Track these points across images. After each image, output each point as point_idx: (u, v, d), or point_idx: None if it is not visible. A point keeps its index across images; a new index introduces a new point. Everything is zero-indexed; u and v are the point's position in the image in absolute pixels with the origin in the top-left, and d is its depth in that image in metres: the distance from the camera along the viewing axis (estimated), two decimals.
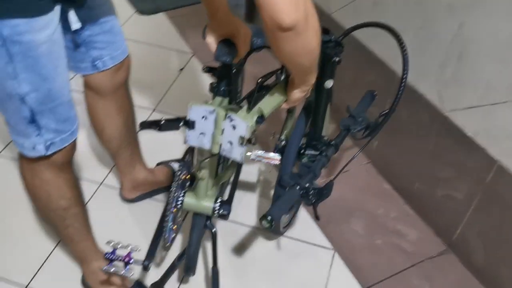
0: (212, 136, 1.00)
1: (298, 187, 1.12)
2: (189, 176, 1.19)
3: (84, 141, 1.80)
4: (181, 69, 2.24)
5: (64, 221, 1.22)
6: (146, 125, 1.04)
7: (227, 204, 1.16)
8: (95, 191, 1.70)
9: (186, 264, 1.23)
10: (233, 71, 1.09)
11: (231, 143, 0.99)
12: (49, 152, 1.05)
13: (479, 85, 1.30)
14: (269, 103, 1.10)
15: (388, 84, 1.60)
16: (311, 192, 1.13)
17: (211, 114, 0.98)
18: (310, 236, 1.61)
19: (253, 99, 1.04)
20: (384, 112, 1.31)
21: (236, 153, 0.99)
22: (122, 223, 1.60)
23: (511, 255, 1.38)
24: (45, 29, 0.90)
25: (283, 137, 1.47)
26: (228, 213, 1.15)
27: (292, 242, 1.59)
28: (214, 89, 1.08)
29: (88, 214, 1.30)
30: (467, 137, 1.39)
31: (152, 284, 1.37)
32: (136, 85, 2.17)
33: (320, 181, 1.33)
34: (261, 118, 1.06)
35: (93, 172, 1.75)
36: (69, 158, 1.13)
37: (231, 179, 1.42)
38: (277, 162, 1.09)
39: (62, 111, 1.02)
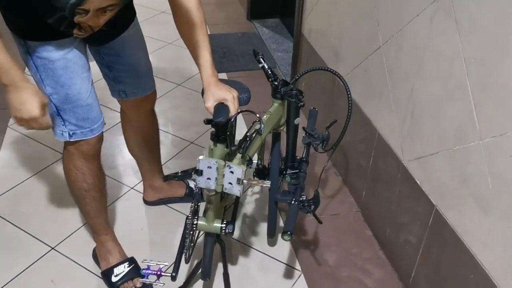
0: (216, 180, 1.31)
1: (296, 203, 1.46)
2: (197, 205, 1.54)
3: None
4: None
5: (84, 199, 1.63)
6: (170, 177, 1.45)
7: (231, 224, 1.47)
8: (126, 192, 2.14)
9: (202, 271, 1.54)
10: (228, 125, 1.43)
11: (231, 183, 1.32)
12: (72, 139, 1.45)
13: (423, 138, 1.55)
14: (253, 148, 1.46)
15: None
16: (306, 204, 1.48)
17: (214, 165, 1.30)
18: (283, 256, 1.87)
19: (244, 149, 1.38)
20: (329, 125, 1.65)
21: (235, 190, 1.32)
22: (140, 221, 2.01)
23: None
24: (58, 50, 1.30)
25: (258, 161, 1.82)
26: (233, 231, 1.47)
27: (266, 258, 1.86)
28: (214, 138, 1.42)
29: (106, 198, 1.72)
30: (417, 184, 1.61)
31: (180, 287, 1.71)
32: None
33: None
34: (250, 161, 1.43)
35: (130, 178, 2.21)
36: (94, 151, 1.53)
37: (232, 203, 1.79)
38: (268, 186, 1.43)
39: (80, 111, 1.42)
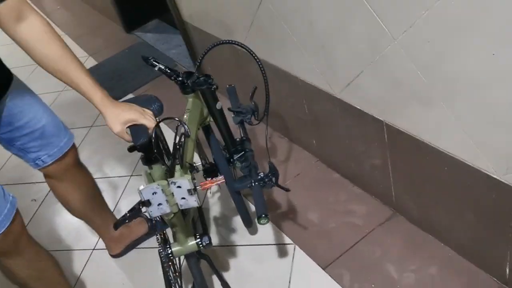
0: (167, 202, 1.21)
1: (256, 183, 1.39)
2: (163, 233, 1.43)
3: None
4: None
5: None
6: (119, 225, 1.28)
7: (205, 235, 1.39)
8: (90, 256, 1.98)
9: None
10: (153, 143, 1.28)
11: (184, 198, 1.21)
12: None
13: (343, 64, 1.51)
14: (189, 153, 1.36)
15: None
16: (266, 180, 1.41)
17: (157, 188, 1.18)
18: (271, 238, 1.80)
19: (180, 158, 1.25)
20: (252, 94, 1.58)
21: (192, 202, 1.22)
22: (118, 277, 1.86)
23: (430, 198, 1.52)
24: None
25: (203, 161, 1.73)
26: (210, 241, 1.38)
27: (256, 248, 1.79)
28: (146, 162, 1.28)
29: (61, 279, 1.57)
30: (358, 109, 1.58)
31: None
32: None
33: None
34: (192, 167, 1.32)
35: (86, 240, 2.04)
36: (7, 247, 1.33)
37: (196, 214, 1.68)
38: (223, 180, 1.32)
39: None
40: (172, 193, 1.20)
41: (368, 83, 1.45)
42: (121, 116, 1.21)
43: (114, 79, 3.17)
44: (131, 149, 1.30)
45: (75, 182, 1.66)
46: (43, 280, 1.47)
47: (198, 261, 1.46)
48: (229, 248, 1.83)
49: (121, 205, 2.17)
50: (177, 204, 1.22)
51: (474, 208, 1.35)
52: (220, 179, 1.31)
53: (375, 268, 1.59)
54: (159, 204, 1.21)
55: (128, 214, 1.26)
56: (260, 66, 1.45)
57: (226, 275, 1.72)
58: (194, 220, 1.69)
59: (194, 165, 1.39)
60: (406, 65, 1.25)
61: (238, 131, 1.61)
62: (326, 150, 1.97)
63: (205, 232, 1.41)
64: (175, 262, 1.47)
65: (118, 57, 3.43)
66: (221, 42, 1.47)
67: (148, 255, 1.90)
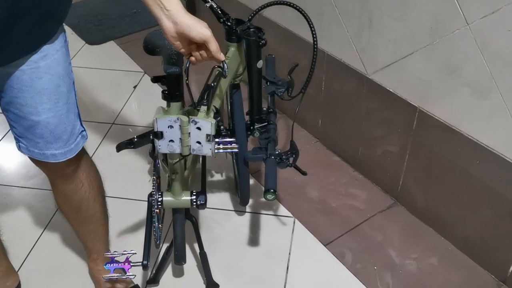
0: (181, 141, 1.10)
1: (273, 157, 1.27)
2: (158, 178, 1.30)
3: None
4: (135, 86, 2.39)
5: None
6: (123, 146, 1.14)
7: (202, 194, 1.28)
8: None
9: (176, 255, 1.34)
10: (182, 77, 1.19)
11: (199, 142, 1.10)
12: None
13: (389, 44, 1.50)
14: (218, 99, 1.26)
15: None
16: (284, 157, 1.30)
17: (175, 122, 1.07)
18: (271, 209, 1.75)
19: (208, 100, 1.15)
20: (291, 70, 1.52)
21: (206, 149, 1.11)
22: None
23: (443, 191, 1.55)
24: None
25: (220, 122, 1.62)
26: (205, 202, 1.27)
27: (256, 216, 1.72)
28: (167, 96, 1.19)
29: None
30: (390, 92, 1.57)
31: (147, 281, 1.47)
32: (94, 105, 2.31)
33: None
34: (217, 114, 1.20)
35: None
36: None
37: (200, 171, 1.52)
38: (236, 150, 1.21)
39: None
40: (189, 133, 1.09)
41: (415, 66, 1.45)
42: (194, 27, 1.01)
43: (92, 23, 2.93)
44: (155, 80, 1.19)
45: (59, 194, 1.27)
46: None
47: (184, 221, 1.36)
48: (227, 212, 1.74)
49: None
50: (189, 146, 1.11)
51: (495, 205, 1.40)
52: (235, 147, 1.22)
53: (377, 251, 1.60)
54: (171, 141, 1.10)
55: (135, 139, 1.13)
56: (315, 40, 1.38)
57: (224, 239, 1.64)
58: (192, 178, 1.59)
59: (219, 113, 1.28)
60: (471, 52, 1.27)
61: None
62: (330, 131, 1.95)
63: (202, 191, 1.31)
64: (160, 213, 1.35)
65: (97, 2, 3.18)
66: (290, 4, 1.39)
67: (132, 205, 1.76)
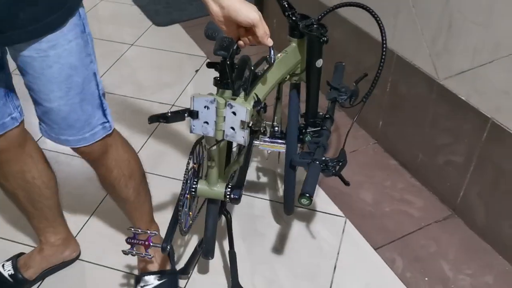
0: (215, 124, 1.05)
1: (317, 163, 1.22)
2: (198, 165, 1.26)
3: None
4: (197, 70, 2.42)
5: None
6: (154, 118, 1.07)
7: (237, 188, 1.21)
8: None
9: (204, 248, 1.29)
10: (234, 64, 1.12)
11: (233, 128, 1.05)
12: None
13: (468, 50, 1.44)
14: (262, 88, 1.19)
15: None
16: (330, 164, 1.24)
17: (212, 103, 1.03)
18: (323, 206, 1.73)
19: (248, 86, 1.10)
20: (359, 79, 1.45)
21: (239, 137, 1.05)
22: None
23: (507, 210, 1.48)
24: None
25: (275, 123, 1.59)
26: (239, 197, 1.21)
27: (307, 212, 1.71)
28: (217, 83, 1.13)
29: None
30: (461, 100, 1.51)
31: (179, 270, 1.48)
32: (156, 85, 2.36)
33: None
34: (257, 103, 1.12)
35: None
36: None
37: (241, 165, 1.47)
38: (283, 150, 1.18)
39: None
40: (224, 117, 1.04)
41: (494, 75, 1.38)
42: (242, 11, 1.00)
43: (160, 5, 2.99)
44: (210, 65, 1.12)
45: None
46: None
47: (218, 215, 1.30)
48: (273, 204, 1.74)
49: None
50: (223, 131, 1.06)
51: None
52: (282, 147, 1.18)
53: (430, 262, 1.55)
54: (205, 122, 1.05)
55: (169, 114, 1.06)
56: (384, 45, 1.33)
57: (273, 232, 1.64)
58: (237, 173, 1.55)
59: (262, 103, 1.17)
60: None
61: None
62: (391, 134, 1.91)
63: (239, 186, 1.23)
64: (194, 201, 1.29)
65: None
66: (363, 6, 1.35)
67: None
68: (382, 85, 1.83)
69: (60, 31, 0.97)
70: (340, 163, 1.26)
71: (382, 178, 1.85)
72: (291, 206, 1.60)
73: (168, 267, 1.47)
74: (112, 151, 1.23)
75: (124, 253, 1.20)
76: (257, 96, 1.13)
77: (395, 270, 1.53)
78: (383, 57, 1.34)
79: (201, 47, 2.59)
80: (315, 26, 1.30)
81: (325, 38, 1.28)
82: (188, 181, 1.21)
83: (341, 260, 1.55)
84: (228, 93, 1.09)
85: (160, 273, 1.44)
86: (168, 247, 1.17)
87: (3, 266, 1.43)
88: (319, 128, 1.44)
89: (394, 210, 1.72)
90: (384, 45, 1.33)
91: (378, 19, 1.33)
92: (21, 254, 1.48)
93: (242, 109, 1.02)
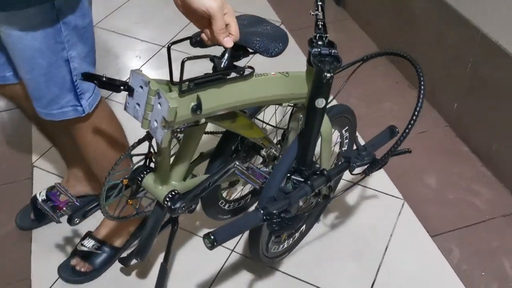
0: (144, 110, 0.92)
1: (262, 212, 0.99)
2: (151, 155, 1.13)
3: None
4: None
5: None
6: (88, 77, 0.96)
7: (181, 199, 1.07)
8: None
9: (137, 248, 1.19)
10: None
11: (156, 122, 0.91)
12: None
13: None
14: (216, 96, 0.97)
15: (469, 44, 1.62)
16: (276, 220, 1.00)
17: (146, 86, 0.89)
18: (382, 186, 1.68)
19: (193, 84, 0.92)
20: (397, 151, 1.15)
21: (158, 134, 0.91)
22: None
23: None
24: None
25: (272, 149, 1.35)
26: (175, 209, 1.06)
27: (365, 190, 1.67)
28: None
29: None
30: None
31: (120, 257, 1.39)
32: None
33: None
34: (197, 107, 0.94)
35: None
36: None
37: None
38: (257, 187, 1.07)
39: None
40: (152, 106, 0.91)
41: None
42: None
43: None
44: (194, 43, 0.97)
45: None
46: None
47: (162, 218, 1.16)
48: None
49: None
50: (149, 121, 0.92)
51: None
52: (258, 182, 1.08)
53: (489, 257, 1.46)
54: (138, 104, 0.93)
55: (104, 78, 0.94)
56: (421, 98, 1.08)
57: (329, 207, 1.62)
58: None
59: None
60: None
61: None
62: (465, 118, 1.79)
63: (189, 198, 1.08)
64: (137, 190, 1.17)
65: None
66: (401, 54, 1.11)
67: None
68: (462, 65, 1.70)
69: (24, 16, 0.98)
70: (285, 225, 1.00)
71: (450, 164, 1.75)
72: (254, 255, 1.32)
73: (116, 244, 1.43)
74: (85, 133, 1.21)
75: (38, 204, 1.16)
76: (198, 100, 0.94)
77: (451, 260, 1.46)
78: (416, 113, 1.07)
79: (278, 13, 2.54)
80: (327, 58, 1.04)
81: (330, 76, 1.01)
82: (138, 169, 1.12)
83: (393, 243, 1.51)
84: (168, 82, 0.94)
85: (101, 244, 1.41)
86: (77, 220, 1.11)
87: (39, 194, 1.51)
88: (302, 181, 1.14)
89: (458, 199, 1.63)
90: (421, 99, 1.08)
91: (418, 68, 1.07)
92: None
93: (166, 103, 0.87)
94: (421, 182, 1.69)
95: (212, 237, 0.88)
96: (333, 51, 1.04)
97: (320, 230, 1.55)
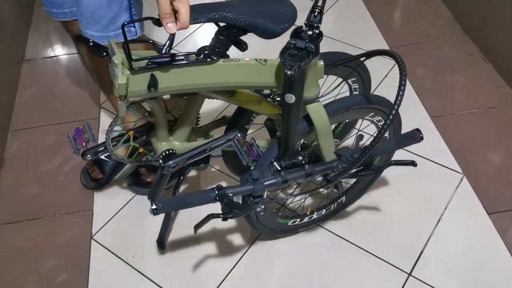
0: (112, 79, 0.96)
1: (216, 192, 1.04)
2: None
3: None
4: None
5: None
6: (80, 39, 1.06)
7: (176, 158, 1.13)
8: None
9: (150, 192, 1.30)
10: None
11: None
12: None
13: None
14: (175, 77, 0.96)
15: None
16: (226, 202, 1.04)
17: (113, 56, 0.93)
18: (442, 159, 1.62)
19: (152, 61, 0.93)
20: (399, 161, 1.10)
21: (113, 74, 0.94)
22: None
23: None
24: None
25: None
26: (167, 167, 1.12)
27: (424, 161, 1.62)
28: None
29: None
30: None
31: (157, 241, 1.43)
32: None
33: None
34: (152, 85, 0.94)
35: None
36: None
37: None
38: (244, 164, 1.11)
39: None
40: (117, 77, 0.93)
41: None
42: None
43: None
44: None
45: None
46: None
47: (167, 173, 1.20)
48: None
49: None
50: (117, 89, 0.96)
51: None
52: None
53: None
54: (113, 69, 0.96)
55: (91, 43, 1.02)
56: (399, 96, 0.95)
57: (383, 175, 1.60)
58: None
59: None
60: None
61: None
62: None
63: (182, 158, 1.13)
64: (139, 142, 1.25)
65: None
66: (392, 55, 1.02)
67: None
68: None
69: None
70: (232, 212, 1.04)
71: None
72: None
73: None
74: None
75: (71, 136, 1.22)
76: (153, 78, 0.94)
77: (506, 240, 1.41)
78: (393, 112, 0.95)
79: None
80: (300, 52, 0.94)
81: (290, 73, 0.92)
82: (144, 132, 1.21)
83: (447, 215, 1.47)
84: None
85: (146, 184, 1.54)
86: (89, 157, 1.20)
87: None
88: (279, 169, 1.13)
89: None
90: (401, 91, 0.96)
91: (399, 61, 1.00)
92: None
93: (115, 76, 0.92)
94: (484, 158, 1.62)
95: (154, 205, 0.99)
96: (310, 45, 0.94)
97: (374, 196, 1.53)
